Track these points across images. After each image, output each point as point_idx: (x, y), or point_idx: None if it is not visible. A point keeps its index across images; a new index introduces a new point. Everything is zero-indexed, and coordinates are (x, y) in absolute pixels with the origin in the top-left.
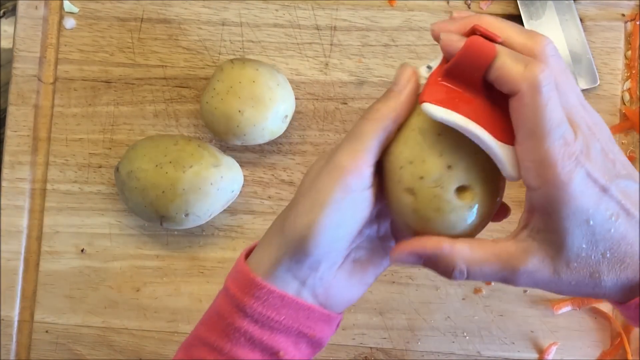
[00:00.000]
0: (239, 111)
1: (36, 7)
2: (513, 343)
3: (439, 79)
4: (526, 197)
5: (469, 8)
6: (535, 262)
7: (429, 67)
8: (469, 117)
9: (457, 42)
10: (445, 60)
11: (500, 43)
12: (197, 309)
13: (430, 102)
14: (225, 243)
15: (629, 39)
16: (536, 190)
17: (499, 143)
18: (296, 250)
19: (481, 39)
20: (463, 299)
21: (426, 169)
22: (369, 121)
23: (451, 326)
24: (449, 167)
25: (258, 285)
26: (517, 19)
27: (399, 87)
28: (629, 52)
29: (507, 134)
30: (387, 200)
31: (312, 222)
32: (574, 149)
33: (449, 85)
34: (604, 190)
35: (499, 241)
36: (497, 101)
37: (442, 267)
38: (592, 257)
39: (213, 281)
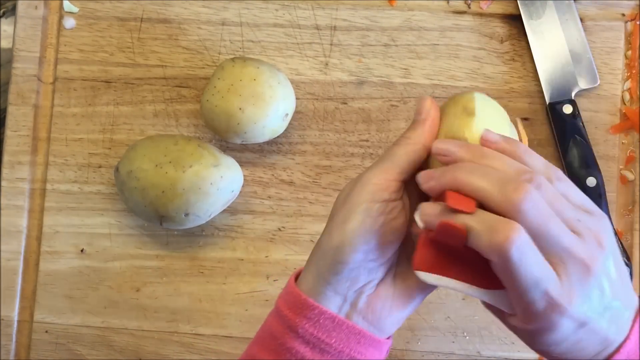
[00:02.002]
0: (240, 109)
1: (36, 7)
2: (513, 343)
3: (427, 242)
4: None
5: (469, 8)
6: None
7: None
8: (458, 278)
9: (434, 219)
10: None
11: (474, 209)
12: (197, 308)
13: (421, 270)
14: (225, 243)
15: (629, 38)
16: (524, 324)
17: (490, 291)
18: (333, 260)
19: (450, 223)
20: (463, 298)
21: None
22: (398, 145)
23: (451, 326)
24: None
25: (310, 306)
26: (517, 19)
27: (422, 116)
28: (629, 52)
29: (498, 281)
30: None
31: (345, 230)
32: (557, 301)
33: (436, 249)
34: (582, 325)
35: None
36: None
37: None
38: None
39: (213, 281)
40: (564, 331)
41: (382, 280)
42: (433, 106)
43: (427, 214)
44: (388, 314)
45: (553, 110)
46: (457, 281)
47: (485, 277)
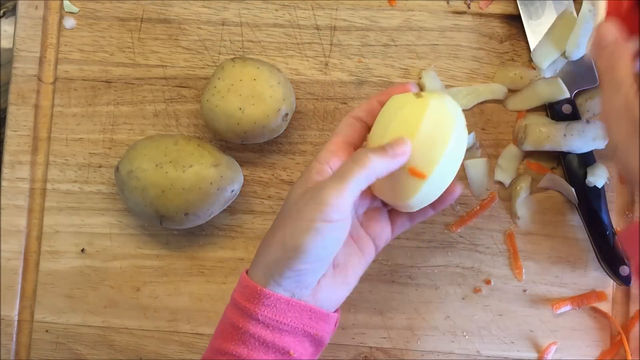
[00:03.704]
0: (240, 109)
1: (36, 7)
2: (512, 342)
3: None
4: None
5: (469, 8)
6: None
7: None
8: None
9: None
10: None
11: None
12: (197, 308)
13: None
14: (225, 243)
15: None
16: None
17: None
18: (284, 266)
19: None
20: (463, 298)
21: None
22: (356, 165)
23: (451, 326)
24: None
25: (266, 295)
26: (517, 19)
27: (393, 153)
28: None
29: None
30: None
31: (298, 245)
32: None
33: None
34: None
35: None
36: None
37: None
38: None
39: (213, 280)
40: None
41: (323, 275)
42: (407, 153)
43: None
44: (328, 298)
45: (552, 110)
46: None
47: None
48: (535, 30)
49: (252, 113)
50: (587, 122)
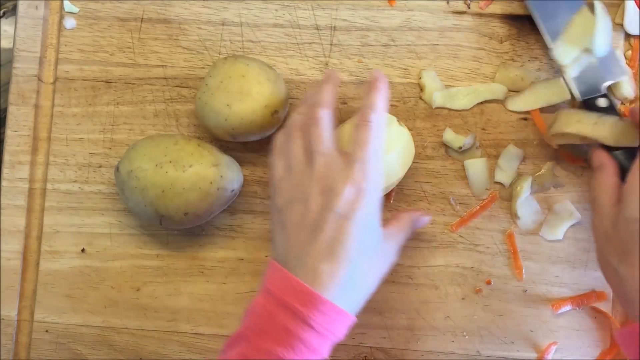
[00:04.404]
0: (227, 105)
1: (36, 7)
2: (512, 342)
3: None
4: None
5: (469, 8)
6: None
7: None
8: None
9: None
10: None
11: None
12: (197, 308)
13: None
14: (225, 243)
15: (629, 39)
16: None
17: None
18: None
19: None
20: (463, 298)
21: None
22: None
23: (451, 326)
24: None
25: (322, 301)
26: (516, 19)
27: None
28: (629, 52)
29: None
30: None
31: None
32: None
33: None
34: None
35: None
36: None
37: None
38: None
39: (213, 281)
40: None
41: None
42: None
43: None
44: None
45: (587, 106)
46: None
47: None
48: (553, 31)
49: (239, 109)
50: (621, 118)
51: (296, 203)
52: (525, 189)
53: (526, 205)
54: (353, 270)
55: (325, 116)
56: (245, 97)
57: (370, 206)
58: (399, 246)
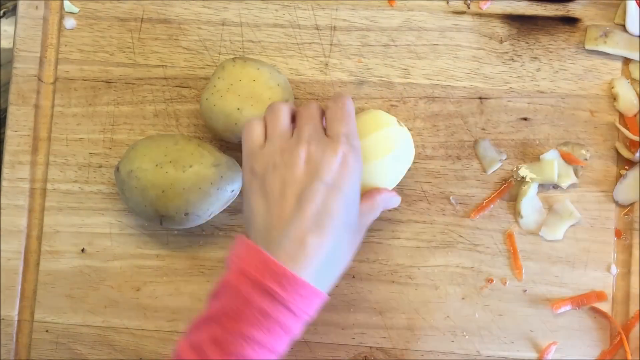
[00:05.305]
0: (238, 109)
1: (36, 7)
2: (512, 342)
3: None
4: None
5: (469, 8)
6: None
7: None
8: None
9: None
10: None
11: None
12: (197, 308)
13: None
14: (225, 243)
15: None
16: None
17: None
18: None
19: None
20: (463, 298)
21: None
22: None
23: (451, 325)
24: None
25: (301, 284)
26: (516, 19)
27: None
28: None
29: None
30: None
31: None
32: None
33: None
34: None
35: None
36: None
37: None
38: None
39: (213, 280)
40: None
41: None
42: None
43: None
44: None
45: None
46: None
47: None
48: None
49: (250, 114)
50: None
51: (279, 169)
52: (532, 188)
53: (530, 204)
54: (337, 245)
55: (316, 105)
56: (256, 102)
57: (355, 180)
58: (368, 226)
